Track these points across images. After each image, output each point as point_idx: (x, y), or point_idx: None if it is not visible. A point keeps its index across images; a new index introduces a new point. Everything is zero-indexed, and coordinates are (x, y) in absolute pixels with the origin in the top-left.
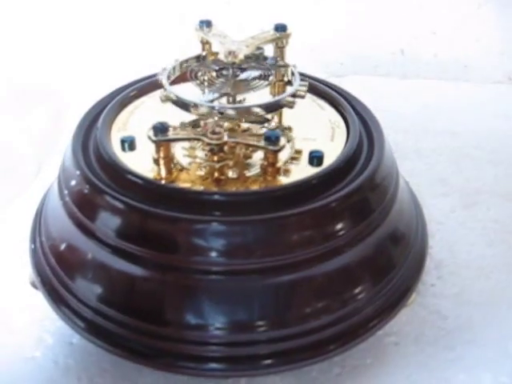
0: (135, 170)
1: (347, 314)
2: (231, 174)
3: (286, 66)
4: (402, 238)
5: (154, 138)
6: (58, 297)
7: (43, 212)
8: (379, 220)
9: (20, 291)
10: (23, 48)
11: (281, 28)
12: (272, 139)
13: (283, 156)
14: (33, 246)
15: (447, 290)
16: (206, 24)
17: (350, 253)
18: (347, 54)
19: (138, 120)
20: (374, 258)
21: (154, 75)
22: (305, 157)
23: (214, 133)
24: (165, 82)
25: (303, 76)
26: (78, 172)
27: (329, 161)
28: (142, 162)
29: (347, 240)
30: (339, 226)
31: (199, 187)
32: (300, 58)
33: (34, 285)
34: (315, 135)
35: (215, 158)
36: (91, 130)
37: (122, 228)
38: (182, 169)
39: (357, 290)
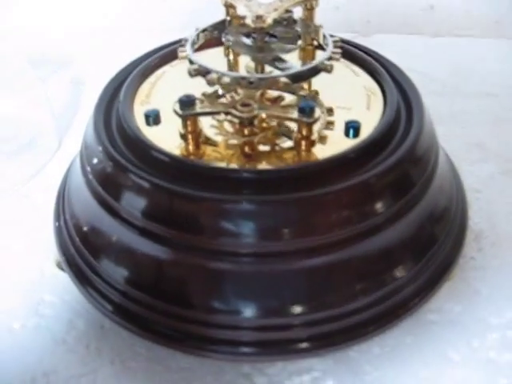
0: (161, 147)
1: (387, 295)
2: (262, 147)
3: (316, 28)
4: (443, 212)
5: (180, 113)
6: (84, 279)
7: (66, 188)
8: (420, 195)
9: (48, 272)
10: (41, 15)
11: None
12: (306, 110)
13: (317, 126)
14: (57, 224)
15: (488, 263)
16: None
17: (389, 231)
18: (374, 12)
19: (161, 91)
20: (415, 235)
21: (175, 43)
22: (340, 127)
23: (244, 105)
24: (190, 52)
25: (335, 39)
26: (100, 148)
27: (366, 131)
28: (167, 137)
29: (386, 218)
30: (378, 203)
31: (228, 164)
32: (325, 16)
33: (59, 266)
34: (350, 103)
35: (245, 132)
36: (113, 103)
37: (148, 208)
38: (211, 143)
39: (397, 270)
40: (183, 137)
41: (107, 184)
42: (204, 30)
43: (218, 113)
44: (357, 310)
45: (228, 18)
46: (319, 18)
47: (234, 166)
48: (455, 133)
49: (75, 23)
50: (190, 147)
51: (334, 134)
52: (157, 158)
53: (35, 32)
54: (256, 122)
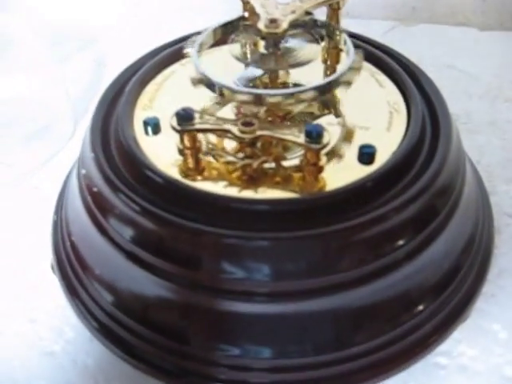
0: (154, 165)
1: (404, 333)
2: (266, 167)
3: (335, 33)
4: (467, 243)
5: (177, 128)
6: (72, 288)
7: (68, 182)
8: (443, 225)
9: (45, 273)
10: None
11: None
12: (313, 135)
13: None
14: (55, 218)
15: (510, 302)
16: None
17: (409, 266)
18: None
19: (166, 95)
20: (436, 269)
21: (188, 37)
22: (354, 150)
23: (245, 124)
24: (194, 56)
25: (358, 42)
26: (92, 156)
27: (383, 157)
28: (165, 151)
29: (406, 253)
30: (398, 238)
31: (227, 185)
32: (367, 0)
33: (52, 268)
34: (369, 122)
35: (247, 152)
36: (114, 106)
37: (136, 233)
38: (212, 160)
39: (415, 308)
40: (181, 152)
41: (96, 198)
42: (216, 30)
43: (216, 130)
44: (374, 350)
45: (246, 15)
46: (360, 1)
47: (233, 192)
48: (494, 144)
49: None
50: (189, 165)
51: (346, 158)
52: (149, 178)
53: (60, 8)
54: (258, 143)
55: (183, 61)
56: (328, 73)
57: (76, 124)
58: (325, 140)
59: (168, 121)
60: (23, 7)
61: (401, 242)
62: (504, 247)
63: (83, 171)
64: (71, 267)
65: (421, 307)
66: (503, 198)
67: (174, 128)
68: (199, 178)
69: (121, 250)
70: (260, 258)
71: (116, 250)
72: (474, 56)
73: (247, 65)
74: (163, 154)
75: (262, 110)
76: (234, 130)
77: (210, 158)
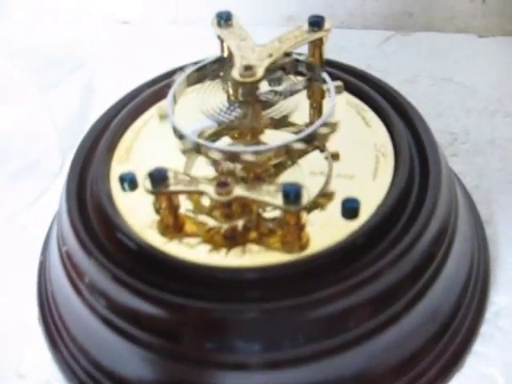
0: (129, 227)
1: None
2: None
3: (317, 72)
4: (463, 284)
5: (150, 189)
6: (53, 342)
7: (53, 224)
8: (434, 277)
9: (31, 322)
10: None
11: (316, 23)
12: (291, 197)
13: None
14: (41, 259)
15: (509, 343)
16: (225, 17)
17: (408, 317)
18: (417, 2)
19: (144, 144)
20: (433, 315)
21: (169, 75)
22: (337, 203)
23: (221, 185)
24: (170, 114)
25: (343, 76)
26: (66, 216)
27: (367, 210)
28: (143, 208)
29: (404, 305)
30: (395, 292)
31: (210, 254)
32: (362, 6)
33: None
34: (354, 169)
35: (223, 212)
36: (92, 156)
37: (110, 303)
38: (191, 215)
39: (418, 356)
40: (158, 211)
41: (70, 259)
42: (190, 75)
43: (190, 192)
44: None
45: (224, 55)
46: (357, 7)
47: (218, 257)
48: (493, 166)
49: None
50: (166, 223)
51: (329, 211)
52: (122, 243)
53: (46, 32)
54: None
55: (163, 102)
56: (312, 113)
57: (64, 158)
58: (304, 201)
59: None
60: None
61: (398, 296)
62: (500, 284)
63: (59, 227)
64: (53, 321)
65: (424, 354)
66: (502, 226)
67: (147, 190)
68: (178, 239)
69: (96, 315)
70: (250, 330)
71: (91, 313)
72: (472, 66)
73: (220, 124)
74: (140, 212)
75: (238, 167)
76: (210, 191)
77: (190, 214)
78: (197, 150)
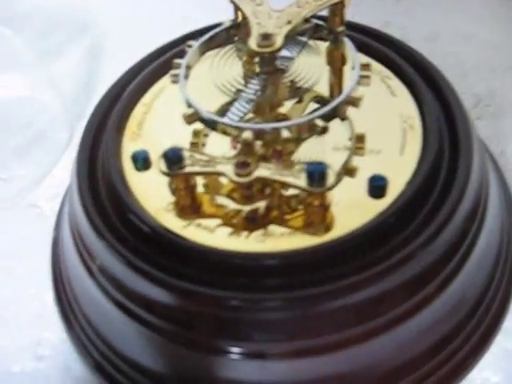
0: (143, 209)
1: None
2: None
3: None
4: (491, 264)
5: (165, 171)
6: (68, 321)
7: (65, 201)
8: (466, 255)
9: (49, 302)
10: None
11: None
12: (315, 177)
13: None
14: (55, 235)
15: None
16: None
17: (439, 299)
18: None
19: (156, 118)
20: (462, 299)
21: (178, 43)
22: (362, 182)
23: (240, 165)
24: (181, 84)
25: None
26: (77, 196)
27: (395, 188)
28: (157, 189)
29: (436, 286)
30: (423, 278)
31: (231, 238)
32: None
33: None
34: (380, 143)
35: (243, 193)
36: (102, 133)
37: (123, 287)
38: (209, 200)
39: (450, 335)
40: (174, 192)
41: (82, 240)
42: (201, 45)
43: (208, 173)
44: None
45: (239, 20)
46: None
47: (238, 242)
48: None
49: None
50: (183, 207)
51: (355, 189)
52: (136, 226)
53: None
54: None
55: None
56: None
57: (72, 129)
58: (329, 182)
59: (161, 150)
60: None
61: (430, 278)
62: None
63: (69, 208)
64: (67, 301)
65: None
66: None
67: (162, 172)
68: (196, 222)
69: (108, 297)
70: (269, 320)
71: (103, 295)
72: (497, 21)
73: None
74: (155, 193)
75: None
76: (229, 172)
77: (208, 195)
78: (214, 127)
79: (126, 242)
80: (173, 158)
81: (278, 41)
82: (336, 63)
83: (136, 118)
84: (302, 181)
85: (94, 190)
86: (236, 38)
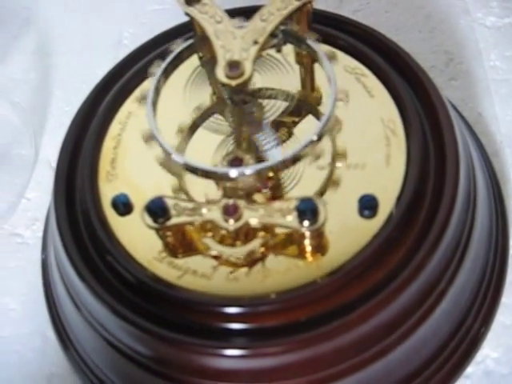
0: (130, 258)
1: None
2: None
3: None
4: (476, 284)
5: (151, 225)
6: (66, 347)
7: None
8: (453, 275)
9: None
10: None
11: None
12: (307, 214)
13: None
14: (43, 257)
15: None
16: None
17: (437, 311)
18: None
19: (128, 153)
20: (453, 312)
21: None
22: (351, 200)
23: (228, 211)
24: (149, 115)
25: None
26: (59, 239)
27: (385, 206)
28: (142, 235)
29: (434, 300)
30: (429, 286)
31: (229, 283)
32: None
33: None
34: (364, 156)
35: (236, 241)
36: (75, 175)
37: (109, 331)
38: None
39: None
40: (163, 239)
41: (67, 280)
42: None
43: (195, 223)
44: None
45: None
46: None
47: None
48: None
49: None
50: (174, 252)
51: (344, 210)
52: (123, 276)
53: None
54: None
55: (137, 92)
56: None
57: (36, 143)
58: (321, 218)
59: (139, 192)
60: None
61: (435, 285)
62: None
63: (54, 247)
64: (60, 324)
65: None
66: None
67: (148, 226)
68: (189, 272)
69: (98, 334)
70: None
71: (92, 329)
72: None
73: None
74: (140, 240)
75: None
76: (218, 219)
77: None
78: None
79: (112, 290)
80: (157, 211)
81: (247, 69)
82: (306, 62)
83: (107, 156)
84: (293, 220)
85: (75, 232)
86: (200, 56)
